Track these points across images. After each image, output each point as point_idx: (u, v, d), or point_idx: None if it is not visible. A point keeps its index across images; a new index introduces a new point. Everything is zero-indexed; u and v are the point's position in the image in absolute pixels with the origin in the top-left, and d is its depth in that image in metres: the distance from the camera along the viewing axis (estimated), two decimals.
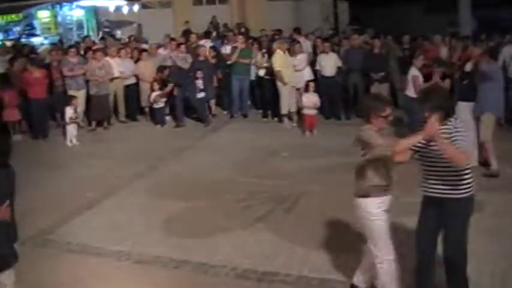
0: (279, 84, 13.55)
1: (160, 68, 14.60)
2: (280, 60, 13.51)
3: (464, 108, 9.44)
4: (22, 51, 16.91)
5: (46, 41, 20.98)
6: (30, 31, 22.19)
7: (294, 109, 13.69)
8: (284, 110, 13.66)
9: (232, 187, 9.48)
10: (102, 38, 19.74)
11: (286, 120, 13.78)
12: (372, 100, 5.85)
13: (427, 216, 5.42)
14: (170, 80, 14.32)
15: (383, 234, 5.50)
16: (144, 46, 17.20)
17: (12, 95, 13.49)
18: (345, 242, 7.17)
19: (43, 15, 22.62)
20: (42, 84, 13.61)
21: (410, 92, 11.30)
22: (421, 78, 11.40)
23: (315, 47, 15.61)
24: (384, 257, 5.47)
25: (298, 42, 14.72)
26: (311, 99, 12.88)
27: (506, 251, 6.69)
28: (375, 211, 5.55)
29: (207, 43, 16.72)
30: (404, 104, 11.88)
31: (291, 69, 13.67)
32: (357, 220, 5.91)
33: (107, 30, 23.22)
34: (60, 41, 20.12)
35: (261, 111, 15.07)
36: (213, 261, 6.87)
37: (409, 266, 5.67)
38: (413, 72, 11.50)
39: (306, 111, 12.93)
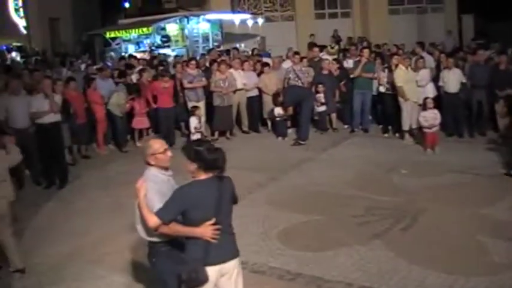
0: (400, 99, 13.36)
1: (276, 95, 14.76)
2: (402, 75, 13.32)
3: None
4: (152, 63, 17.68)
5: (174, 53, 21.84)
6: (166, 43, 23.12)
7: (415, 125, 13.43)
8: (405, 126, 13.43)
9: (351, 202, 9.46)
10: (227, 51, 20.25)
11: (407, 136, 13.55)
12: None
13: None
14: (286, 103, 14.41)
15: None
16: (264, 60, 17.48)
17: (141, 103, 14.20)
18: (465, 264, 6.99)
19: (171, 28, 23.52)
20: (170, 94, 14.22)
21: None
22: None
23: (438, 62, 15.26)
24: None
25: (422, 57, 14.46)
26: (427, 118, 12.56)
27: None
28: None
29: (324, 56, 16.82)
30: None
31: (414, 84, 13.44)
32: None
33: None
34: (164, 54, 20.93)
35: (381, 126, 14.91)
36: (328, 275, 6.90)
37: None
38: None
39: (425, 130, 12.64)
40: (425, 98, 12.88)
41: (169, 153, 5.12)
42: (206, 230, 4.68)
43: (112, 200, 10.30)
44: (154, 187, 4.97)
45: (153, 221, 4.73)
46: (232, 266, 4.89)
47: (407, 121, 13.36)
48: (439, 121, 12.60)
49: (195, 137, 13.44)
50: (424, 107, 12.76)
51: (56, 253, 8.03)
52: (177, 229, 4.77)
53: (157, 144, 5.13)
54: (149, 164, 5.14)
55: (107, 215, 9.49)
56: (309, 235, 8.21)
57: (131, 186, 11.27)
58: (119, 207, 9.80)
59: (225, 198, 4.88)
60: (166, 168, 5.14)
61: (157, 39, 23.06)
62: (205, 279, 4.69)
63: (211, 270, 4.73)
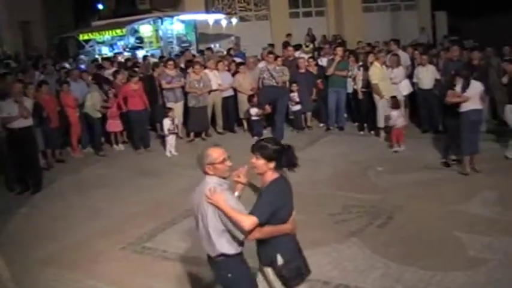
0: (375, 97, 13.38)
1: (250, 97, 14.65)
2: (377, 73, 13.34)
3: None
4: (125, 65, 17.53)
5: (148, 54, 21.67)
6: (139, 44, 22.95)
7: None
8: (381, 123, 13.47)
9: (327, 200, 9.46)
10: (201, 52, 20.19)
11: (382, 133, 13.58)
12: None
13: None
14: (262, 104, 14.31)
15: None
16: (237, 59, 17.45)
17: (114, 106, 14.05)
18: (442, 260, 7.02)
19: (146, 29, 23.38)
20: (141, 96, 14.03)
21: None
22: None
23: (413, 60, 15.33)
24: None
25: (396, 54, 14.48)
26: (390, 117, 12.64)
27: None
28: None
29: (300, 55, 16.82)
30: None
31: (388, 81, 13.47)
32: None
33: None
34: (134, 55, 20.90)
35: (357, 124, 14.95)
36: None
37: None
38: None
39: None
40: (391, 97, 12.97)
41: (228, 163, 4.90)
42: (294, 225, 4.83)
43: (87, 204, 10.23)
44: (229, 193, 4.80)
45: (252, 222, 4.56)
46: None
47: (382, 118, 13.39)
48: (399, 121, 12.56)
49: (169, 138, 13.39)
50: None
51: (31, 259, 7.92)
52: (267, 231, 4.72)
53: (216, 154, 4.87)
54: (206, 173, 4.90)
55: (82, 220, 9.39)
56: None
57: (107, 190, 11.38)
58: (94, 212, 9.75)
59: (292, 195, 4.96)
60: (224, 178, 4.93)
61: (132, 41, 22.90)
62: (305, 272, 4.90)
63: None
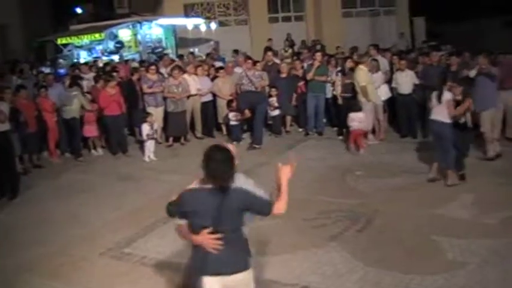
0: (362, 100, 13.29)
1: (229, 102, 14.59)
2: (365, 76, 13.33)
3: None
4: (104, 69, 17.42)
5: (129, 58, 21.56)
6: (120, 49, 22.80)
7: (370, 127, 13.52)
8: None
9: (306, 205, 9.41)
10: (181, 56, 20.13)
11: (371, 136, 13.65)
12: None
13: None
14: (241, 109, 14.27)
15: None
16: (217, 64, 17.46)
17: (93, 110, 13.96)
18: (421, 263, 7.05)
19: (124, 34, 23.26)
20: (117, 101, 13.94)
21: None
22: None
23: (392, 65, 15.39)
24: None
25: (376, 60, 14.52)
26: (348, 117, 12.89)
27: None
28: None
29: (276, 60, 16.89)
30: None
31: (374, 86, 13.47)
32: None
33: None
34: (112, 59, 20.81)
35: (336, 128, 14.97)
36: (284, 279, 6.87)
37: None
38: None
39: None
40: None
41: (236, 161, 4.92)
42: (205, 239, 4.50)
43: (65, 210, 10.12)
44: None
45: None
46: (237, 281, 4.64)
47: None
48: (353, 124, 12.80)
49: (148, 143, 13.33)
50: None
51: (9, 266, 7.81)
52: (182, 232, 4.70)
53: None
54: None
55: (61, 226, 9.29)
56: (264, 240, 8.13)
57: (85, 195, 11.29)
58: (72, 218, 9.67)
59: (227, 210, 4.57)
60: None
61: (110, 45, 22.76)
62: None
63: (210, 281, 4.57)
